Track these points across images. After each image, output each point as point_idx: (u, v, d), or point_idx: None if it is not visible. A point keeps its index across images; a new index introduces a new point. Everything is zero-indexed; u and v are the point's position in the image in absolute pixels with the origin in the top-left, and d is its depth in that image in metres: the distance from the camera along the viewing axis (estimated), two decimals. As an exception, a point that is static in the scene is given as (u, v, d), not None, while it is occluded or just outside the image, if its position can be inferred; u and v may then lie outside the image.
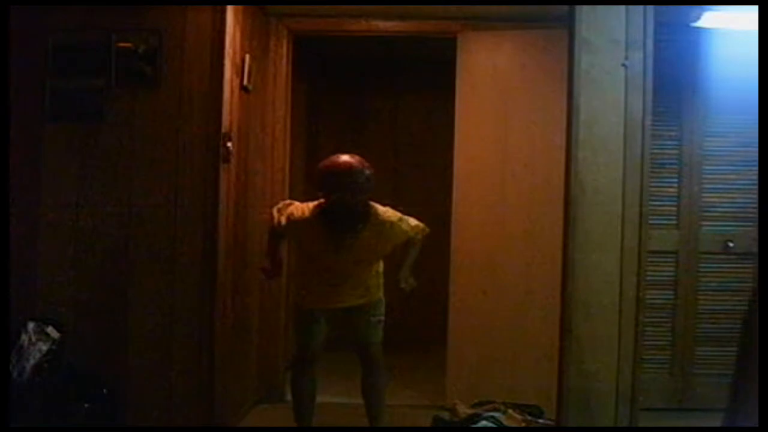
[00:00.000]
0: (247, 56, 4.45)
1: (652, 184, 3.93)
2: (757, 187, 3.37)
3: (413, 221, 4.07)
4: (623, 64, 3.58)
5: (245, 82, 4.44)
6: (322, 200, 3.94)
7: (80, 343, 4.06)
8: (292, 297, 4.23)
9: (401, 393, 4.60)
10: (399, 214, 4.03)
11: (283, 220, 4.03)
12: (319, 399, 4.17)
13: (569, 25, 3.71)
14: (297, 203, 4.09)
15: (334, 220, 3.89)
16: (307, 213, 3.98)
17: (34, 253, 4.14)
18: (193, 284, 4.11)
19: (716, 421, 3.09)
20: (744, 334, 2.95)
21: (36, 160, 4.16)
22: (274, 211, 4.12)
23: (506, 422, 4.21)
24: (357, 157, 3.91)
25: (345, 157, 3.89)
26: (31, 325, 3.96)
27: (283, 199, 5.07)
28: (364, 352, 4.09)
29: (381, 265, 4.13)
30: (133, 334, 4.11)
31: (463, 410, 4.41)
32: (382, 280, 4.13)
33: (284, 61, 5.04)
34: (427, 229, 4.11)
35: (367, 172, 3.87)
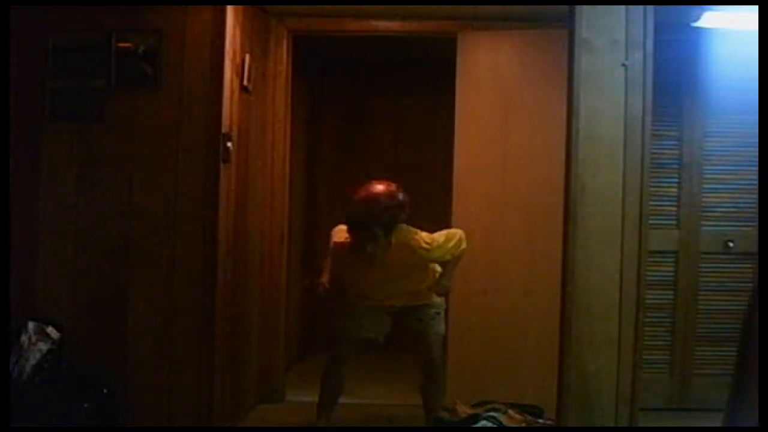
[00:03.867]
0: (247, 56, 4.45)
1: (652, 184, 3.92)
2: (757, 187, 3.37)
3: (450, 242, 4.16)
4: (623, 64, 3.57)
5: (245, 82, 4.44)
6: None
7: (80, 343, 4.06)
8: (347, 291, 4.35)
9: (401, 393, 4.59)
10: (425, 241, 4.13)
11: (332, 242, 4.28)
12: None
13: (569, 25, 3.70)
14: (343, 226, 4.22)
15: (354, 232, 4.05)
16: (343, 236, 4.18)
17: (34, 253, 4.14)
18: (193, 284, 4.11)
19: (716, 421, 3.09)
20: (744, 334, 2.95)
21: (36, 160, 4.16)
22: (332, 235, 4.31)
23: (506, 422, 4.19)
24: (383, 187, 4.14)
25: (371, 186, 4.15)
26: (31, 325, 3.96)
27: (283, 199, 5.11)
28: (427, 365, 4.29)
29: (431, 276, 4.26)
30: (133, 334, 4.12)
31: (463, 410, 4.40)
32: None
33: (284, 61, 5.04)
34: (464, 243, 4.20)
35: (386, 201, 4.06)
